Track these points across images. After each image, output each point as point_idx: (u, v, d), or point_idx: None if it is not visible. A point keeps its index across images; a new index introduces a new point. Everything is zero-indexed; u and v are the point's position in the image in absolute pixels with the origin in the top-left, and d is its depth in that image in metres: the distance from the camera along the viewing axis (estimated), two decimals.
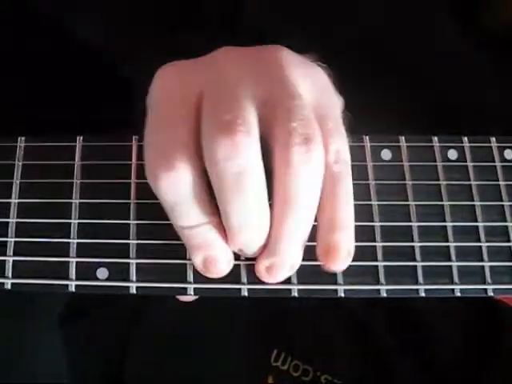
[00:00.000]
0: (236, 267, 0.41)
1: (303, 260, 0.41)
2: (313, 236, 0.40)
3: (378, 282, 0.42)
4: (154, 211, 0.41)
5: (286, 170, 0.37)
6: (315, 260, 0.41)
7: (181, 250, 0.41)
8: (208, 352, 0.55)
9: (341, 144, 0.39)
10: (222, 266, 0.40)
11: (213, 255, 0.40)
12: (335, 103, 0.41)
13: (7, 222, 0.41)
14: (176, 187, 0.37)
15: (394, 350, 0.53)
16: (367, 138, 0.44)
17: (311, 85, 0.40)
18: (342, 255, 0.39)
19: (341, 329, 0.54)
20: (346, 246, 0.39)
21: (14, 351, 0.58)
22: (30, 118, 0.59)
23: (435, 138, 0.45)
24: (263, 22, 0.56)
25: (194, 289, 0.41)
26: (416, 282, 0.42)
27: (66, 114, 0.60)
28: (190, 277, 0.41)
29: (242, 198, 0.37)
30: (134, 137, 0.43)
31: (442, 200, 0.43)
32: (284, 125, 0.37)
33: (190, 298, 0.42)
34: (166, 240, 0.41)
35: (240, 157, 0.36)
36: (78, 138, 0.43)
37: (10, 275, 0.41)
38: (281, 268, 0.40)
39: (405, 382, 0.53)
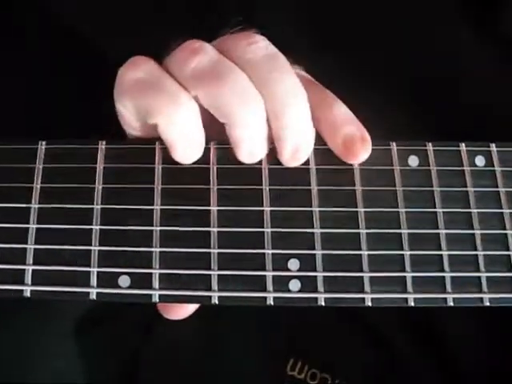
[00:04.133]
0: (261, 276, 0.40)
1: (329, 270, 0.40)
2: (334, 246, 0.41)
3: (405, 291, 0.41)
4: (179, 218, 0.41)
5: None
6: (342, 270, 0.40)
7: (205, 258, 0.40)
8: (222, 362, 0.54)
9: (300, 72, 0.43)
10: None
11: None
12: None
13: (27, 228, 0.40)
14: None
15: (413, 358, 0.52)
16: (394, 143, 0.43)
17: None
18: (357, 144, 0.42)
19: (359, 336, 0.53)
20: (358, 135, 0.42)
21: (26, 359, 0.57)
22: (31, 118, 0.58)
23: (462, 145, 0.44)
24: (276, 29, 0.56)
25: (219, 297, 0.40)
26: (444, 291, 0.41)
27: (71, 114, 0.59)
28: (215, 285, 0.40)
29: (226, 81, 0.40)
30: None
31: (469, 207, 0.43)
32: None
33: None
34: (190, 248, 0.40)
35: (200, 53, 0.41)
36: (99, 142, 0.42)
37: (30, 282, 0.40)
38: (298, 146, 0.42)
39: None
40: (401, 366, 0.53)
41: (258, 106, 0.41)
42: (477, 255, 0.42)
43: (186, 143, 0.41)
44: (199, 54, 0.41)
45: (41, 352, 0.57)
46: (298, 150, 0.42)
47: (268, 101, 0.41)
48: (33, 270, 0.40)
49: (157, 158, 0.42)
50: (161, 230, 0.40)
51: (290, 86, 0.41)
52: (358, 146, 0.42)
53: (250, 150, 0.42)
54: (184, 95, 0.41)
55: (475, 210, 0.42)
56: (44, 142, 0.42)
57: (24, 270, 0.40)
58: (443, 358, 0.52)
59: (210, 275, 0.40)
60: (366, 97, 0.53)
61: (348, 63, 0.53)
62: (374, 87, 0.53)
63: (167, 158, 0.42)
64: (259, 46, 0.42)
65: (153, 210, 0.41)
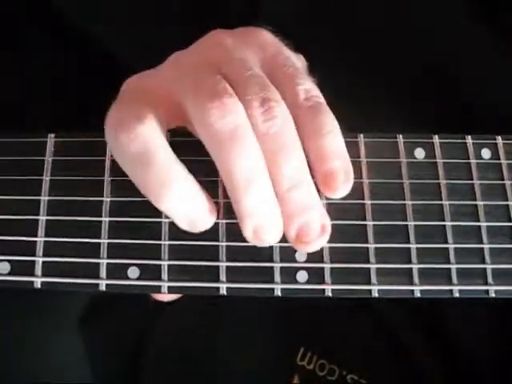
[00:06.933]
0: (269, 267, 0.41)
1: (337, 261, 0.41)
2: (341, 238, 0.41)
3: (411, 283, 0.41)
4: None
5: (258, 130, 0.39)
6: (349, 261, 0.41)
7: (213, 250, 0.41)
8: (232, 351, 0.54)
9: (308, 84, 0.41)
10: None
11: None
12: (288, 56, 0.43)
13: (37, 220, 0.41)
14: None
15: (420, 352, 0.52)
16: (400, 136, 0.44)
17: (257, 48, 0.43)
18: (339, 182, 0.41)
19: (367, 328, 0.54)
20: (342, 172, 0.41)
21: (28, 352, 0.57)
22: (39, 116, 0.59)
23: (469, 137, 0.44)
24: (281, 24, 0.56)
25: (227, 288, 0.41)
26: (450, 283, 0.41)
27: (78, 112, 0.59)
28: (223, 276, 0.41)
29: (243, 151, 0.38)
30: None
31: (476, 199, 0.43)
32: (243, 98, 0.39)
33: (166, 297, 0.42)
34: (198, 239, 0.41)
35: (231, 114, 0.38)
36: None
37: (40, 274, 0.40)
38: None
39: (431, 382, 0.52)
40: (408, 359, 0.53)
41: (269, 190, 0.39)
42: (483, 247, 0.42)
43: (185, 221, 0.40)
44: (230, 112, 0.38)
45: (45, 347, 0.57)
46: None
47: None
48: (43, 262, 0.40)
49: None
50: (170, 222, 0.41)
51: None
52: (336, 183, 0.41)
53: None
54: (173, 175, 0.39)
55: (481, 203, 0.43)
56: (53, 135, 0.42)
57: (34, 261, 0.40)
58: (448, 352, 0.52)
59: (218, 266, 0.41)
60: (366, 94, 0.53)
61: (348, 59, 0.54)
62: (375, 84, 0.53)
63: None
64: (274, 124, 0.39)
65: None
